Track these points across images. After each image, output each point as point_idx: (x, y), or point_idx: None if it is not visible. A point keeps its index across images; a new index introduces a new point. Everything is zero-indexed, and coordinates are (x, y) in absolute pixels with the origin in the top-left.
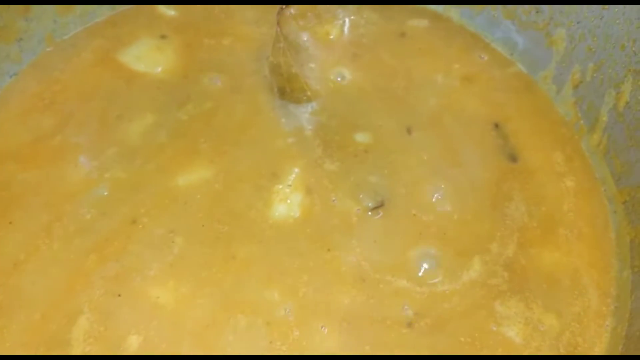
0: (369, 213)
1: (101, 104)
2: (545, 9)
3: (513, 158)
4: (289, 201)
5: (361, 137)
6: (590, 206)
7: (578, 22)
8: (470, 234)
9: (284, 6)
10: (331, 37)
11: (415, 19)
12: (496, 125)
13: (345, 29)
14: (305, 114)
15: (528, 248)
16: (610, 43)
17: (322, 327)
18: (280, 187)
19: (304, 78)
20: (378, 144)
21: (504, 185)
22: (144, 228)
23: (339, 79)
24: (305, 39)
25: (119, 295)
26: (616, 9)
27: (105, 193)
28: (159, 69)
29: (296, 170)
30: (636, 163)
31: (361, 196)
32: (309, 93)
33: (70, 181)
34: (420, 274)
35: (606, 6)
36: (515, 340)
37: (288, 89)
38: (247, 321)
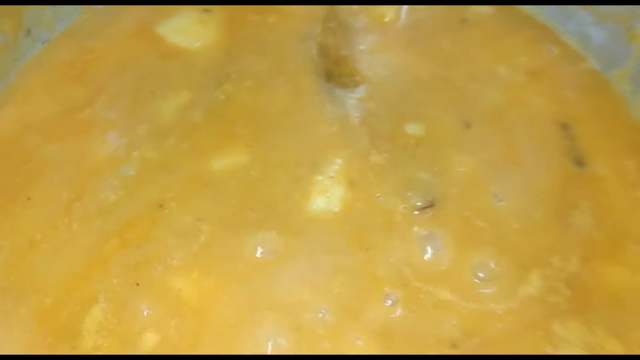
0: (416, 212)
1: (135, 78)
2: None
3: (580, 162)
4: (329, 194)
5: (412, 129)
6: None
7: None
8: (530, 244)
9: None
10: (386, 19)
11: (480, 4)
12: (563, 126)
13: (403, 11)
14: (352, 100)
15: (592, 263)
16: None
17: (356, 339)
18: (321, 178)
19: (354, 62)
20: (431, 137)
21: (569, 192)
22: (170, 213)
23: (391, 65)
24: (358, 19)
25: (137, 285)
26: None
27: (132, 173)
28: (199, 44)
29: (339, 161)
30: None
31: (409, 194)
32: (357, 78)
33: (95, 158)
34: (469, 286)
35: None
36: None
37: (336, 73)
38: (273, 324)
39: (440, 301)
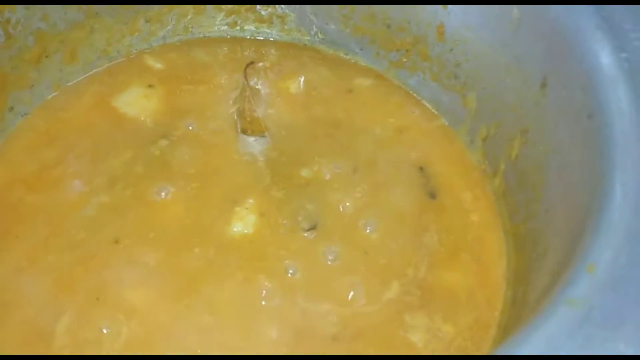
0: (305, 234)
1: (95, 141)
2: (462, 75)
3: (433, 195)
4: (244, 220)
5: (305, 172)
6: (489, 237)
7: (484, 89)
8: (392, 262)
9: (251, 62)
10: (291, 91)
11: (361, 77)
12: (421, 168)
13: (302, 84)
14: (260, 147)
15: (435, 270)
16: (505, 107)
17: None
18: (239, 209)
19: (264, 122)
20: (319, 179)
21: (423, 218)
22: (124, 247)
23: (291, 124)
24: (267, 90)
25: (97, 299)
26: (508, 80)
27: (93, 214)
28: (143, 113)
29: (252, 197)
30: (523, 203)
31: (299, 219)
32: (266, 134)
33: (65, 203)
34: (343, 297)
35: (501, 78)
36: (418, 344)
37: (249, 129)
38: (193, 312)
39: (320, 311)
